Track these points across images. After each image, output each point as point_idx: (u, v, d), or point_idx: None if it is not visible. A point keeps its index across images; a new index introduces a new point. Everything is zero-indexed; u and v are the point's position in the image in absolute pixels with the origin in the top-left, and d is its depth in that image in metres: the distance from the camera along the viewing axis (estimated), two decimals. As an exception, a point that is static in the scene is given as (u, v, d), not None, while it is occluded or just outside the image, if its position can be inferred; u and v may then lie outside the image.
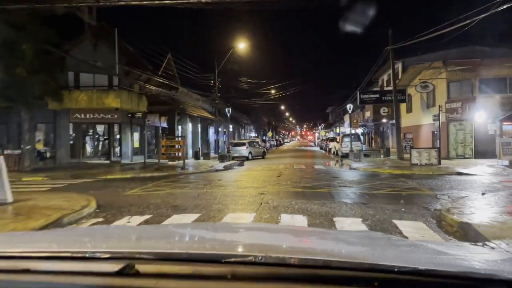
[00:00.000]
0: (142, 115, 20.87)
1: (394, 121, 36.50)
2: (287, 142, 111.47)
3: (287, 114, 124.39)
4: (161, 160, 20.27)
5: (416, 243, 2.24)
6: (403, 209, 8.14)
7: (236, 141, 32.21)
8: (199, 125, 33.72)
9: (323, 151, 48.52)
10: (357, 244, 1.83)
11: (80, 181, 15.14)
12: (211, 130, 38.60)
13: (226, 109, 28.59)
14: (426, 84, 22.84)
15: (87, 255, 1.31)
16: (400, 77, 33.63)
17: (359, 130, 50.08)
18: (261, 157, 31.19)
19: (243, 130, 60.88)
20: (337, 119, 73.45)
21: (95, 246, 1.56)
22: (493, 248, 4.80)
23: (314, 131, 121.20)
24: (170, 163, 20.36)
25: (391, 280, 1.11)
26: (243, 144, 29.57)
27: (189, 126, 28.91)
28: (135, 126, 27.21)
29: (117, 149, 25.70)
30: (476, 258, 1.54)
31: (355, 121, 42.33)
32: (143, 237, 1.87)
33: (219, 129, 42.82)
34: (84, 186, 13.15)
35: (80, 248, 1.42)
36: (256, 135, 75.53)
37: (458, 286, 1.12)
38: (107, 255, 1.30)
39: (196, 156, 27.57)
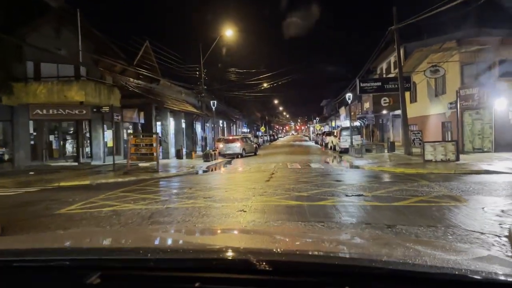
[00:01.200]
0: (109, 110, 17.87)
1: (395, 112, 33.80)
2: (281, 137, 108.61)
3: (280, 108, 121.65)
4: (138, 163, 17.30)
5: (402, 243, 1.82)
6: (450, 236, 5.35)
7: (228, 137, 29.28)
8: (183, 120, 30.71)
9: (319, 146, 45.78)
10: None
11: (23, 190, 12.19)
12: (198, 126, 35.62)
13: (211, 102, 25.62)
14: (437, 68, 20.05)
15: (52, 263, 1.30)
16: (402, 63, 30.88)
17: (356, 123, 47.33)
18: (253, 153, 28.33)
19: (234, 126, 57.92)
20: (332, 112, 70.73)
21: (65, 252, 1.53)
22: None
23: (308, 125, 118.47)
24: (143, 165, 17.37)
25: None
26: (236, 140, 26.66)
27: (170, 121, 25.91)
28: (109, 123, 24.21)
29: (88, 149, 22.69)
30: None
31: (353, 113, 39.51)
32: (114, 242, 1.85)
33: (207, 125, 39.83)
34: (15, 199, 10.23)
35: (47, 256, 1.40)
36: (249, 130, 72.68)
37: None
38: (75, 262, 1.30)
39: (178, 155, 24.63)
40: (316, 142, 51.77)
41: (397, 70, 29.92)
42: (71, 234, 2.66)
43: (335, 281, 1.08)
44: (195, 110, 30.30)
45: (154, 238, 1.99)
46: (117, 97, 22.16)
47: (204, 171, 17.51)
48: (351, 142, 24.03)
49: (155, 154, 16.36)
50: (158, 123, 25.55)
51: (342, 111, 60.55)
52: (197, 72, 32.55)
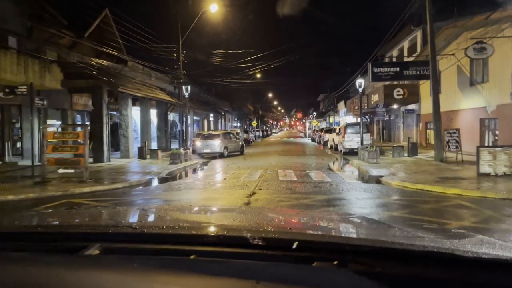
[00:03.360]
0: (28, 91, 12.54)
1: (408, 107, 28.76)
2: (275, 133, 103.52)
3: (275, 102, 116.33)
4: (58, 168, 11.97)
5: (393, 225, 1.85)
6: None
7: (206, 132, 24.00)
8: (155, 110, 25.40)
9: (316, 143, 40.68)
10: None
11: None
12: (176, 118, 30.25)
13: (184, 87, 20.23)
14: (483, 46, 14.88)
15: (51, 236, 1.36)
16: (419, 50, 25.80)
17: (355, 119, 42.27)
18: (238, 153, 23.09)
19: (222, 120, 52.60)
20: (330, 107, 65.57)
21: (63, 226, 1.59)
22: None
23: (304, 120, 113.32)
24: (64, 171, 11.92)
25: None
26: (215, 137, 21.37)
27: (132, 111, 20.53)
28: (53, 111, 18.88)
29: (19, 144, 17.37)
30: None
31: (356, 107, 34.40)
32: (112, 218, 1.86)
33: (189, 117, 34.48)
34: None
35: (47, 229, 1.48)
36: (240, 125, 67.45)
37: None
38: (74, 235, 1.33)
39: (141, 154, 19.34)
40: (313, 140, 46.65)
41: (411, 57, 24.90)
42: (68, 212, 2.58)
43: (324, 256, 1.11)
44: (169, 99, 24.93)
45: (151, 215, 2.02)
46: (57, 77, 16.76)
47: (161, 182, 12.29)
48: (362, 142, 18.87)
49: (84, 156, 11.06)
50: (114, 113, 20.22)
51: (341, 106, 55.44)
52: (175, 54, 27.30)
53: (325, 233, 1.59)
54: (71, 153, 11.70)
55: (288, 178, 12.09)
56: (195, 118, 37.94)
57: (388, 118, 33.60)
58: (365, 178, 12.49)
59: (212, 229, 1.41)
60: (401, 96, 25.66)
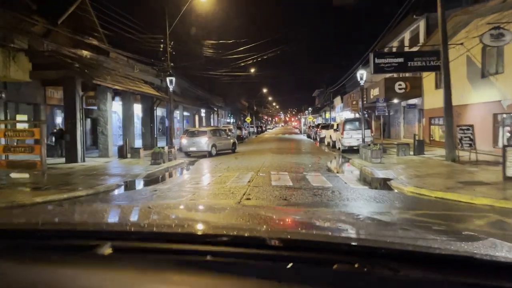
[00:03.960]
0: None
1: (410, 102, 27.20)
2: (269, 129, 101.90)
3: (270, 98, 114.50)
4: (10, 172, 10.20)
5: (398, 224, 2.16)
6: None
7: (193, 129, 22.26)
8: (139, 105, 23.64)
9: (312, 140, 39.12)
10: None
11: None
12: (166, 114, 28.43)
13: (168, 79, 18.44)
14: (501, 32, 13.28)
15: (64, 234, 1.31)
16: (422, 41, 24.19)
17: (351, 115, 40.71)
18: (230, 151, 21.37)
19: (215, 115, 50.83)
20: (326, 102, 64.08)
21: (71, 223, 1.55)
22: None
23: (299, 116, 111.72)
24: (17, 176, 10.14)
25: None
26: (202, 134, 19.65)
27: (112, 106, 18.75)
28: (24, 107, 17.11)
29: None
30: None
31: (354, 102, 32.80)
32: (125, 217, 1.86)
33: (178, 112, 32.71)
34: None
35: (56, 226, 1.43)
36: (234, 121, 65.76)
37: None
38: (87, 234, 1.30)
39: (121, 153, 17.61)
40: (309, 136, 45.11)
41: (414, 49, 23.28)
42: (79, 208, 2.30)
43: (344, 259, 1.08)
44: (155, 92, 23.14)
45: (163, 213, 1.98)
46: (24, 67, 14.92)
47: (134, 188, 10.60)
48: (363, 139, 17.25)
49: (41, 157, 9.32)
50: (88, 108, 18.45)
51: (338, 101, 53.92)
52: (162, 45, 25.53)
53: (343, 234, 1.56)
54: (26, 154, 9.94)
55: (282, 182, 10.44)
56: (185, 113, 36.17)
57: (387, 114, 32.02)
58: (371, 182, 10.86)
59: (228, 229, 1.34)
60: (403, 90, 24.08)
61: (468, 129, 13.60)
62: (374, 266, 1.03)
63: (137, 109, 23.83)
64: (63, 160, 15.53)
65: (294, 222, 1.80)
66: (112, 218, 1.80)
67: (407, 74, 26.09)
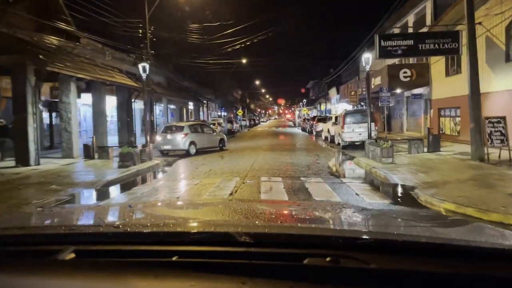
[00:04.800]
0: None
1: (415, 91, 24.83)
2: (263, 122, 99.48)
3: (263, 90, 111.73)
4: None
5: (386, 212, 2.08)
6: None
7: (170, 124, 19.75)
8: (114, 98, 21.06)
9: (307, 133, 36.83)
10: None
11: None
12: (138, 107, 25.82)
13: (141, 65, 15.77)
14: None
15: (24, 239, 1.26)
16: (429, 23, 21.77)
17: (348, 106, 38.43)
18: (217, 148, 18.84)
19: (204, 108, 48.22)
20: (321, 94, 61.74)
21: (35, 229, 1.48)
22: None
23: (293, 109, 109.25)
24: None
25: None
26: (179, 130, 17.14)
27: (75, 98, 16.12)
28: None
29: None
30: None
31: (352, 93, 30.45)
32: (89, 218, 1.81)
33: (162, 105, 30.13)
34: None
35: (13, 231, 1.36)
36: (226, 114, 63.22)
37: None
38: (47, 238, 1.24)
39: (87, 153, 15.11)
40: (304, 129, 42.80)
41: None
42: (41, 213, 2.20)
43: (317, 253, 1.05)
44: (131, 83, 20.55)
45: (132, 212, 1.89)
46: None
47: (98, 195, 8.11)
48: (369, 134, 14.87)
49: None
50: (44, 100, 15.82)
51: (333, 92, 51.62)
52: (141, 30, 22.91)
53: (317, 226, 1.51)
54: None
55: (274, 194, 8.02)
56: (171, 107, 33.57)
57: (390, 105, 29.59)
58: (388, 192, 8.47)
59: (195, 226, 1.32)
60: (408, 78, 21.75)
61: (499, 122, 11.29)
62: (346, 259, 1.00)
63: (112, 102, 21.25)
64: (11, 163, 12.97)
65: (270, 216, 1.74)
66: (77, 221, 1.68)
67: (411, 61, 23.76)
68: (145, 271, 0.95)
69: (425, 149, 14.20)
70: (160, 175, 12.37)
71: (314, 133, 31.38)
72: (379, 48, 15.74)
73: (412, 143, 14.17)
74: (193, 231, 1.21)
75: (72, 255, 1.08)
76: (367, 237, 1.15)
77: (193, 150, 16.76)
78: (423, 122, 23.63)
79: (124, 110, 20.83)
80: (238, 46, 25.76)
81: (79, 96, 18.69)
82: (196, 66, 36.26)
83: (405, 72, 21.66)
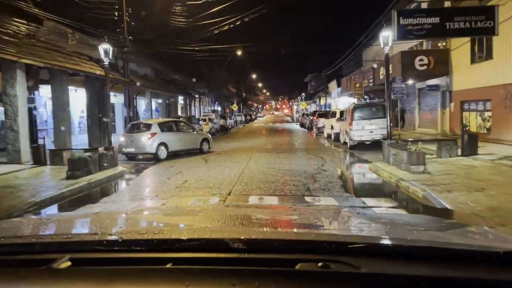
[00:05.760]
0: None
1: (430, 82, 21.95)
2: (260, 117, 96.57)
3: (260, 85, 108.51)
4: None
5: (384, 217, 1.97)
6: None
7: (136, 121, 16.71)
8: (83, 90, 18.09)
9: (306, 130, 34.00)
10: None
11: None
12: (122, 101, 22.84)
13: (101, 48, 12.43)
14: None
15: (19, 248, 1.25)
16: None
17: (351, 100, 35.56)
18: (198, 150, 15.83)
19: (197, 103, 45.19)
20: (320, 88, 58.80)
21: (30, 237, 1.46)
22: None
23: (291, 103, 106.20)
24: None
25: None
26: (145, 128, 14.11)
27: (24, 89, 13.02)
28: None
29: None
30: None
31: (357, 85, 27.53)
32: (83, 226, 1.80)
33: (148, 100, 27.11)
34: None
35: (8, 240, 1.35)
36: (221, 108, 60.24)
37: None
38: (42, 247, 1.24)
39: (37, 157, 12.18)
40: (302, 125, 39.92)
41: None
42: (35, 220, 2.33)
43: (309, 258, 1.06)
44: (100, 72, 17.51)
45: (126, 220, 1.91)
46: None
47: None
48: (389, 133, 11.96)
49: None
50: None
51: (333, 86, 48.70)
52: (117, 12, 19.94)
53: (310, 231, 1.52)
54: None
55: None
56: (158, 101, 30.52)
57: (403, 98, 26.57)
58: (440, 226, 5.58)
59: (189, 233, 1.30)
60: (425, 67, 18.83)
61: None
62: (337, 264, 1.02)
63: (81, 95, 18.28)
64: None
65: (265, 222, 1.74)
66: (71, 229, 1.66)
67: (425, 45, 20.86)
68: (140, 278, 0.97)
69: (459, 151, 11.31)
70: (115, 190, 9.43)
71: (314, 129, 28.52)
72: (398, 28, 12.83)
73: (442, 145, 11.27)
74: (187, 238, 1.18)
75: (68, 263, 1.08)
76: (358, 242, 1.14)
77: (163, 153, 13.69)
78: (439, 118, 20.77)
79: (95, 105, 17.82)
80: (227, 27, 22.61)
81: (36, 88, 15.76)
82: (187, 59, 33.35)
83: (421, 60, 18.75)
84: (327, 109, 41.10)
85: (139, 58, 25.90)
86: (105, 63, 11.92)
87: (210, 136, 16.88)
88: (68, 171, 9.81)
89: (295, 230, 1.55)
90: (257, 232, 1.40)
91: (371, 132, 15.51)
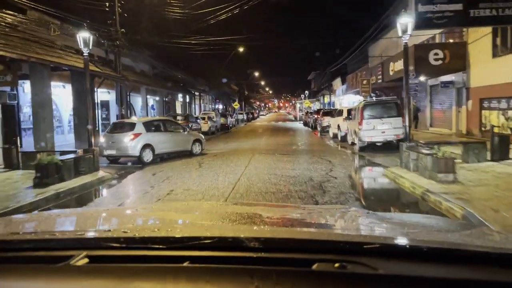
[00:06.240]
0: None
1: (444, 78, 20.49)
2: (262, 115, 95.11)
3: (262, 83, 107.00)
4: None
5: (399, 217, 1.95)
6: None
7: (119, 120, 15.24)
8: (69, 86, 16.75)
9: (309, 128, 32.61)
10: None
11: None
12: (114, 98, 21.42)
13: (79, 37, 10.86)
14: None
15: (36, 244, 1.25)
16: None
17: (356, 98, 34.07)
18: (188, 152, 14.31)
19: (199, 101, 43.81)
20: (324, 85, 57.35)
21: (45, 233, 1.45)
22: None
23: (294, 101, 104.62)
24: None
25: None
26: (128, 128, 12.59)
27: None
28: None
29: None
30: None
31: (364, 82, 26.03)
32: (99, 223, 1.78)
33: (143, 98, 25.72)
34: None
35: (26, 237, 1.37)
36: (223, 107, 58.90)
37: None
38: (59, 243, 1.24)
39: (9, 161, 10.82)
40: (306, 124, 38.44)
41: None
42: (52, 217, 2.03)
43: (325, 258, 1.06)
44: (93, 68, 16.14)
45: (138, 217, 1.91)
46: None
47: None
48: (408, 134, 10.52)
49: None
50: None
51: (337, 83, 47.14)
52: (108, 3, 18.57)
53: (325, 231, 1.52)
54: None
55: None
56: (155, 98, 29.12)
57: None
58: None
59: (204, 231, 1.30)
60: (440, 61, 17.31)
61: None
62: (354, 265, 1.01)
63: (67, 91, 16.92)
64: None
65: (277, 220, 1.75)
66: (88, 225, 1.64)
67: (438, 39, 19.38)
68: (159, 276, 0.96)
69: (488, 154, 9.84)
70: (85, 203, 8.00)
71: (318, 128, 27.07)
72: (417, 15, 11.36)
73: (469, 148, 9.80)
74: (203, 236, 1.19)
75: (85, 260, 1.08)
76: (374, 242, 1.15)
77: (148, 156, 12.21)
78: (454, 117, 19.28)
79: (83, 102, 16.40)
80: (226, 16, 21.14)
81: (15, 83, 14.36)
82: (187, 55, 31.98)
83: (436, 54, 17.23)
84: (331, 107, 39.65)
85: (134, 53, 24.56)
86: (85, 54, 10.46)
87: (203, 136, 15.33)
88: (35, 178, 8.43)
89: (309, 229, 1.52)
90: (271, 231, 1.40)
91: (383, 132, 14.09)
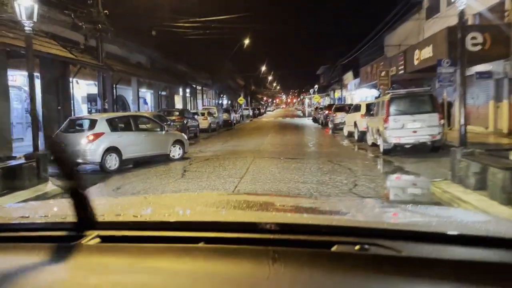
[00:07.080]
0: None
1: (479, 68, 17.69)
2: (270, 111, 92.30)
3: (270, 78, 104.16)
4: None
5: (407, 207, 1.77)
6: None
7: (77, 117, 12.60)
8: (38, 75, 14.19)
9: (319, 125, 29.97)
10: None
11: None
12: (124, 93, 18.85)
13: (16, 4, 8.36)
14: None
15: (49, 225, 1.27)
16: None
17: (370, 92, 31.24)
18: (165, 157, 11.56)
19: (200, 95, 41.21)
20: (334, 80, 54.46)
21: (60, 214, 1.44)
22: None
23: (302, 97, 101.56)
24: None
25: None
26: (89, 126, 9.90)
27: None
28: None
29: None
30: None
31: (383, 73, 23.18)
32: (111, 206, 1.78)
33: (134, 90, 23.14)
34: None
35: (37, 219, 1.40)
36: (229, 102, 56.35)
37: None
38: (73, 224, 1.19)
39: None
40: (315, 120, 35.71)
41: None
42: (60, 201, 2.10)
43: (345, 240, 1.03)
44: (61, 53, 13.62)
45: (149, 203, 1.92)
46: None
47: None
48: (463, 136, 7.81)
49: None
50: None
51: (349, 77, 44.19)
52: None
53: (342, 217, 1.50)
54: None
55: None
56: (151, 92, 26.57)
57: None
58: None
59: (222, 215, 1.34)
60: (478, 47, 14.49)
61: None
62: (376, 247, 0.99)
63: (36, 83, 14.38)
64: None
65: (291, 207, 1.75)
66: (97, 209, 1.44)
67: (475, 21, 16.58)
68: (173, 255, 0.96)
69: None
70: None
71: (330, 125, 24.33)
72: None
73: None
74: (220, 219, 1.19)
75: (97, 240, 1.08)
76: (395, 228, 1.15)
77: (113, 163, 9.56)
78: (491, 113, 16.54)
79: (54, 94, 13.90)
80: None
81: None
82: (190, 47, 29.51)
83: (473, 38, 14.41)
84: (343, 103, 36.87)
85: (130, 43, 22.10)
86: (27, 28, 7.84)
87: (185, 136, 12.40)
88: None
89: (326, 216, 1.49)
90: (290, 216, 1.39)
91: (415, 132, 11.40)
